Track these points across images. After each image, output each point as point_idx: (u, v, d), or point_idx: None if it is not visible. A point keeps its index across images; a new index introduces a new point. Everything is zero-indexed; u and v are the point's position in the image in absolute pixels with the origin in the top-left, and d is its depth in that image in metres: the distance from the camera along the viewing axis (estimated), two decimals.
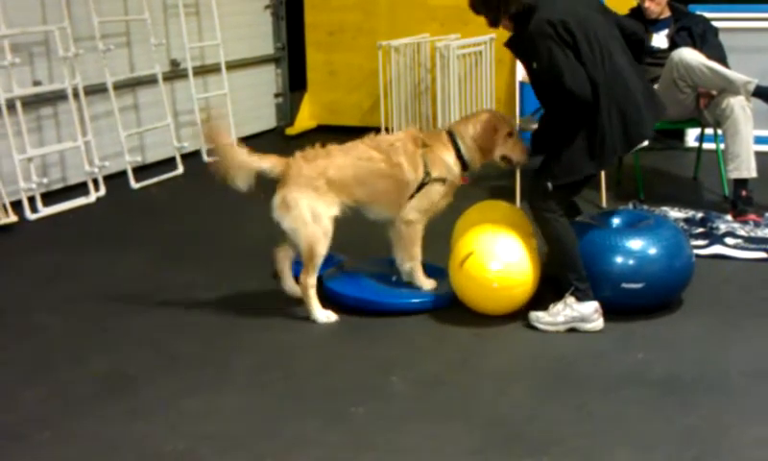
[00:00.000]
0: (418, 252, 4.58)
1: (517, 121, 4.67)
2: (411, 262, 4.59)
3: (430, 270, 4.65)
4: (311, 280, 4.43)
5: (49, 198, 6.64)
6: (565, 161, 4.24)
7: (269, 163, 4.44)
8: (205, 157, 8.00)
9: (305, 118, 9.36)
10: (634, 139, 4.31)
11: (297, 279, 4.61)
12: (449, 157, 4.52)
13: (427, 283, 4.59)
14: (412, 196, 4.50)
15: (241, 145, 4.46)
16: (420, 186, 4.49)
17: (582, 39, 4.14)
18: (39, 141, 6.81)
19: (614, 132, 4.20)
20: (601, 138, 4.19)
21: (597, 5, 4.44)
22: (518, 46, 4.36)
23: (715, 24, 6.25)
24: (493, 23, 4.36)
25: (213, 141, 4.46)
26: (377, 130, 7.73)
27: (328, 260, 4.58)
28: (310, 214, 4.37)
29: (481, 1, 4.32)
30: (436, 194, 4.52)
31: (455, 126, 4.63)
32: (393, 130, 7.92)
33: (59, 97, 6.87)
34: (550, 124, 4.37)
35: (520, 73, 6.67)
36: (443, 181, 4.51)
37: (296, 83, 9.53)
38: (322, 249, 4.41)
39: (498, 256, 4.32)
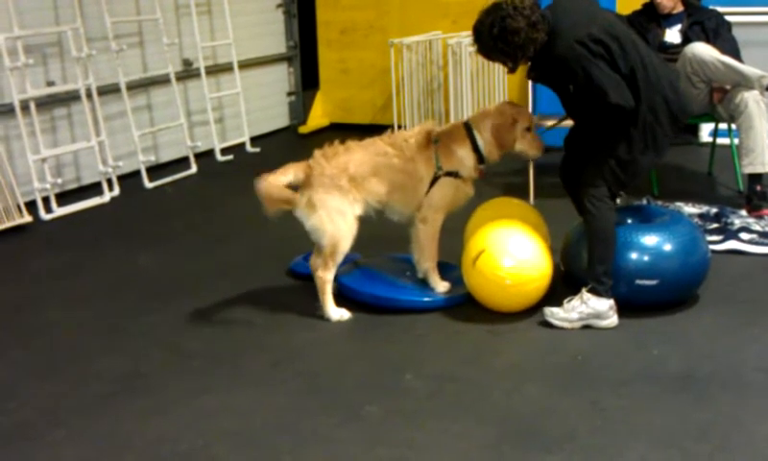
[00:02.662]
0: (434, 252, 4.57)
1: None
2: (427, 263, 4.58)
3: (445, 268, 4.65)
4: (329, 275, 4.44)
5: (63, 198, 6.67)
6: (631, 165, 4.22)
7: (292, 175, 4.42)
8: (219, 157, 8.05)
9: (318, 116, 9.37)
10: (681, 119, 4.29)
11: (306, 275, 4.63)
12: (462, 150, 4.50)
13: (441, 286, 4.57)
14: (428, 192, 4.50)
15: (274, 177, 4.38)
16: (434, 181, 4.50)
17: (610, 42, 4.09)
18: (53, 142, 6.85)
19: (662, 119, 4.19)
20: (652, 130, 4.18)
21: (597, 4, 4.39)
22: (546, 75, 4.30)
23: (728, 18, 6.21)
24: (513, 69, 4.29)
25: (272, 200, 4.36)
26: (390, 127, 7.75)
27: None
28: (336, 212, 4.38)
29: (497, 50, 4.19)
30: (448, 188, 4.50)
31: (473, 119, 4.60)
32: (406, 127, 7.92)
33: (72, 97, 6.90)
34: (591, 133, 4.31)
35: None
36: (455, 174, 4.50)
37: (308, 81, 9.54)
38: (345, 245, 4.42)
39: (511, 253, 4.31)
